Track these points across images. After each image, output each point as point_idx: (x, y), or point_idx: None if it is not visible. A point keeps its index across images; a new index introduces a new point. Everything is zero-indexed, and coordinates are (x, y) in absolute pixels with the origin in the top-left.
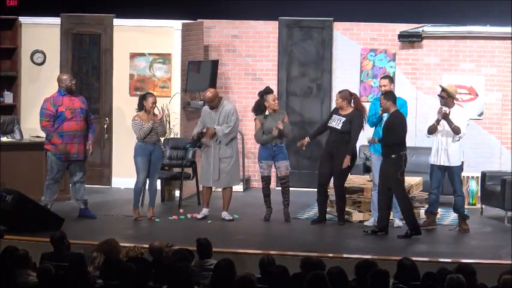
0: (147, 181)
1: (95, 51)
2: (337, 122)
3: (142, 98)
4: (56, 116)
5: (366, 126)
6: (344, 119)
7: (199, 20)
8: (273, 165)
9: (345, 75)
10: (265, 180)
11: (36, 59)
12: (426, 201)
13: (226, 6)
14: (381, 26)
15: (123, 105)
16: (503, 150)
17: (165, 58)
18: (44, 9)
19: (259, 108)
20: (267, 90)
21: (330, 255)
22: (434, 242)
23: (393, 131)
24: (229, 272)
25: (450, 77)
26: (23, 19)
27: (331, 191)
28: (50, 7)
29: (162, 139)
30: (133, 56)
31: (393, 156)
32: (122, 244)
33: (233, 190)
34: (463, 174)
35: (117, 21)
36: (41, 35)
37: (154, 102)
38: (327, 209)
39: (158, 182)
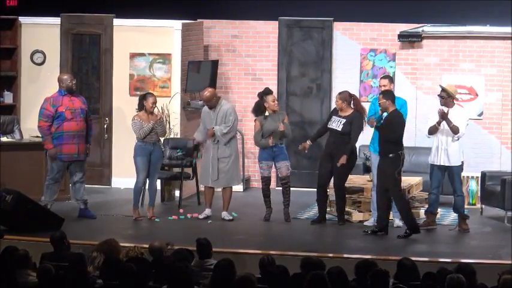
0: (147, 181)
1: (95, 51)
2: (337, 124)
3: (143, 98)
4: (55, 116)
5: (366, 126)
6: (344, 120)
7: (199, 20)
8: (273, 166)
9: (345, 75)
10: (265, 181)
11: (36, 59)
12: (426, 201)
13: (226, 6)
14: (380, 26)
15: (123, 105)
16: (503, 150)
17: (165, 58)
18: (44, 9)
19: (258, 109)
20: (267, 91)
21: (330, 255)
22: (434, 242)
23: (391, 128)
24: (229, 272)
25: (450, 77)
26: (23, 19)
27: (331, 191)
28: (50, 7)
29: (162, 139)
30: (133, 56)
31: (391, 155)
32: (122, 244)
33: (233, 190)
34: (463, 174)
35: (117, 21)
36: (41, 35)
37: (155, 102)
38: (327, 209)
39: (158, 182)
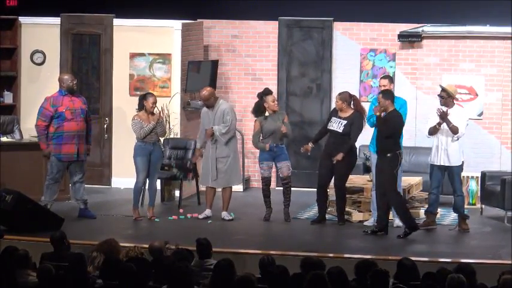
0: (147, 181)
1: (95, 51)
2: (338, 125)
3: (143, 98)
4: (55, 116)
5: (366, 126)
6: (345, 121)
7: (199, 20)
8: (274, 166)
9: (345, 75)
10: (265, 181)
11: (36, 59)
12: (426, 201)
13: (226, 6)
14: (380, 26)
15: (123, 105)
16: (503, 150)
17: (165, 58)
18: (44, 9)
19: (258, 110)
20: (266, 92)
21: (330, 255)
22: (434, 242)
23: (389, 125)
24: (229, 272)
25: (450, 77)
26: (23, 19)
27: (331, 191)
28: (50, 7)
29: (161, 139)
30: (133, 56)
31: (389, 155)
32: (121, 244)
33: (233, 190)
34: (463, 174)
35: (117, 21)
36: (41, 35)
37: (155, 102)
38: (327, 209)
39: (158, 182)
